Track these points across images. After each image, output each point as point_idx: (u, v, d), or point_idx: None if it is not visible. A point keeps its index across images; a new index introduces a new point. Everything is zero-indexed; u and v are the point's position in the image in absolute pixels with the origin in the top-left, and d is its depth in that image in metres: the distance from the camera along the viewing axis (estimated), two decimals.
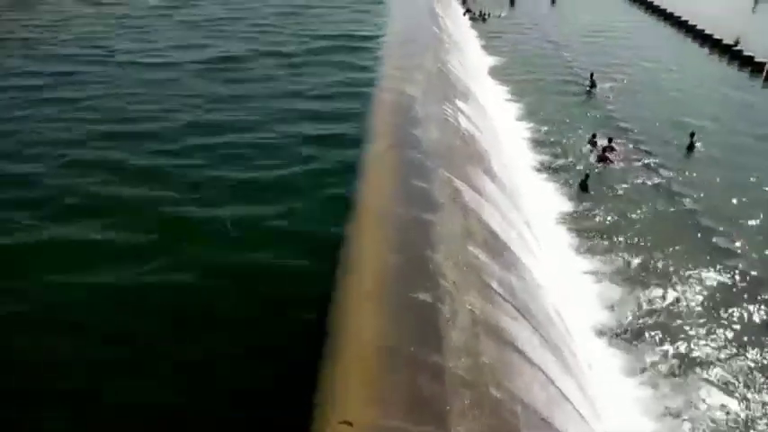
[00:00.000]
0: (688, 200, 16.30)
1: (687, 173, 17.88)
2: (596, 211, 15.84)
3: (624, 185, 17.21)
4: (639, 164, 18.48)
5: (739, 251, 14.13)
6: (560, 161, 18.53)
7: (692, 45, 32.00)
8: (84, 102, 19.28)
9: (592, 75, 25.03)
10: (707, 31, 31.59)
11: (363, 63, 22.52)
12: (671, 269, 13.46)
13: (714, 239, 14.59)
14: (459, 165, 14.04)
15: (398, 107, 16.55)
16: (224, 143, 16.39)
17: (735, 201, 16.31)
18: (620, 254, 13.98)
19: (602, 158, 18.58)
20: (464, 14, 37.49)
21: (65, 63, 23.11)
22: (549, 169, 18.10)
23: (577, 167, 18.10)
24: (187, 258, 11.53)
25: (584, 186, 16.92)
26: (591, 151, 18.99)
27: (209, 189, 13.98)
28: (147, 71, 22.12)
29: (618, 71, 26.75)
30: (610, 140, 19.35)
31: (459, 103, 18.50)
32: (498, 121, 20.55)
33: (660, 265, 13.58)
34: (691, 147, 19.35)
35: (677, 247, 14.19)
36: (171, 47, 25.31)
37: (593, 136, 19.72)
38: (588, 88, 24.67)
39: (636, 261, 13.71)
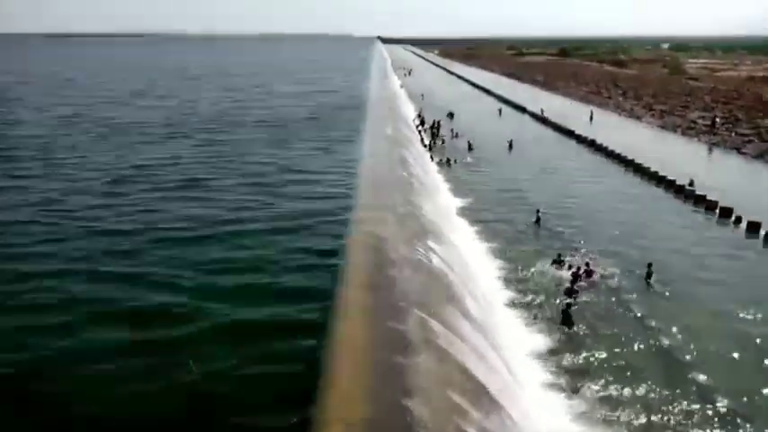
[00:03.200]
0: (662, 336, 16.30)
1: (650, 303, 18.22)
2: (576, 346, 15.67)
3: (603, 317, 17.30)
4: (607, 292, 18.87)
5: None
6: (532, 297, 18.59)
7: (646, 185, 33.79)
8: None
9: (538, 211, 26.50)
10: (662, 173, 33.58)
11: (335, 207, 23.06)
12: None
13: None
14: (433, 305, 13.98)
15: (371, 249, 16.75)
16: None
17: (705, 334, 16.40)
18: (609, 396, 13.61)
19: (574, 284, 18.94)
20: (431, 160, 39.37)
21: None
22: (522, 305, 18.09)
23: (550, 301, 18.21)
24: None
25: (566, 319, 16.82)
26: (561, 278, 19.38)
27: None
28: None
29: (570, 206, 28.32)
30: (587, 265, 20.02)
31: (431, 244, 18.82)
32: (469, 260, 20.80)
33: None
34: (649, 275, 19.90)
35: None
36: None
37: (559, 256, 20.98)
38: (535, 221, 25.94)
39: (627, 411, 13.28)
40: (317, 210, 22.67)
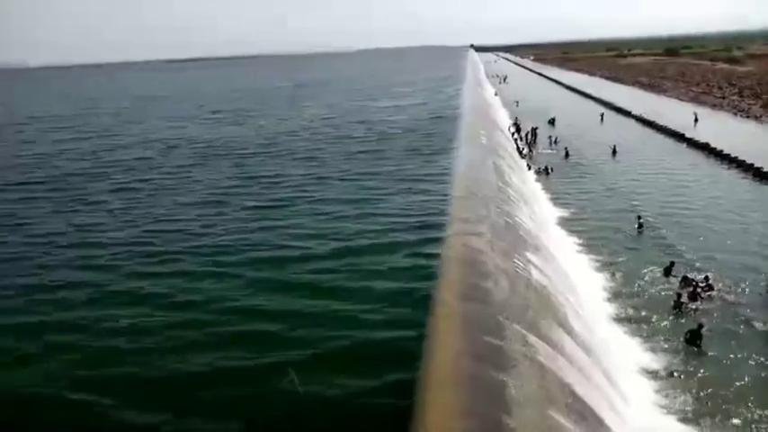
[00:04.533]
0: None
1: None
2: (692, 368, 14.50)
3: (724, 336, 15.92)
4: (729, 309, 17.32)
5: None
6: (641, 312, 17.50)
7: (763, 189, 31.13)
8: None
9: (639, 218, 25.33)
10: None
11: (429, 218, 22.97)
12: None
13: None
14: (532, 319, 13.48)
15: (467, 261, 16.43)
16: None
17: None
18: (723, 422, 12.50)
19: (693, 298, 17.62)
20: (528, 169, 38.39)
21: None
22: (629, 320, 17.08)
23: (661, 316, 17.04)
24: None
25: (693, 340, 15.62)
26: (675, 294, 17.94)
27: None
28: None
29: (680, 214, 26.49)
30: (706, 278, 18.67)
31: (530, 255, 18.24)
32: (570, 272, 19.97)
33: None
34: None
35: None
36: None
37: (671, 267, 19.73)
38: (637, 228, 24.80)
39: None
40: (410, 222, 22.72)
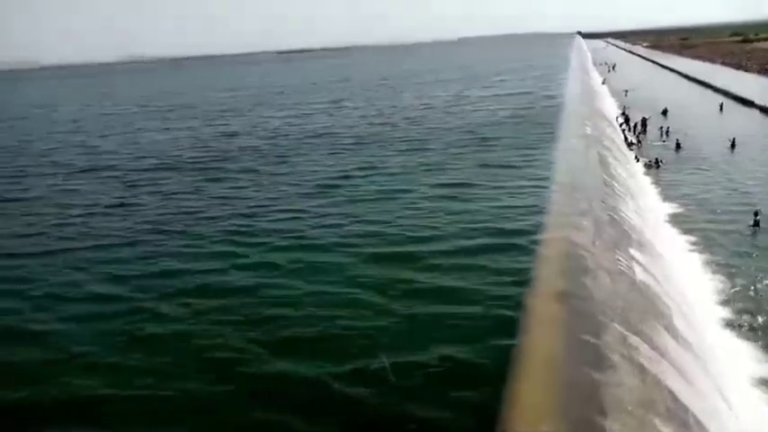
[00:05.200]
0: None
1: None
2: None
3: None
4: None
5: None
6: (758, 318, 16.24)
7: None
8: None
9: (756, 213, 23.36)
10: None
11: (527, 211, 22.44)
12: None
13: None
14: (635, 319, 12.89)
15: (566, 256, 15.95)
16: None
17: None
18: None
19: None
20: (636, 161, 36.52)
21: None
22: (743, 327, 15.91)
23: None
24: None
25: None
26: None
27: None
28: None
29: None
30: None
31: (634, 253, 17.41)
32: (679, 273, 18.87)
33: None
34: None
35: None
36: None
37: None
38: (753, 225, 23.07)
39: None
40: (508, 214, 22.27)
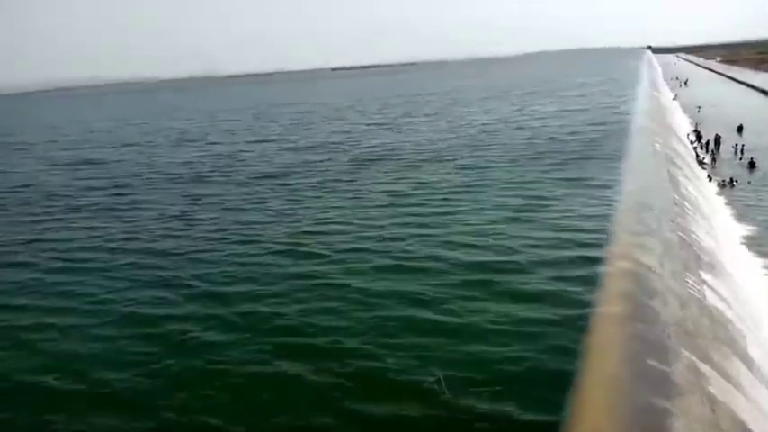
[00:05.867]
0: None
1: None
2: None
3: None
4: None
5: None
6: None
7: None
8: None
9: None
10: None
11: (593, 230, 21.90)
12: None
13: None
14: (705, 346, 12.38)
15: (632, 276, 15.47)
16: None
17: None
18: None
19: None
20: (709, 180, 35.08)
21: None
22: None
23: None
24: None
25: None
26: None
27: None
28: None
29: None
30: None
31: (705, 276, 16.73)
32: (754, 298, 17.96)
33: None
34: None
35: None
36: None
37: None
38: None
39: None
40: (572, 234, 21.80)
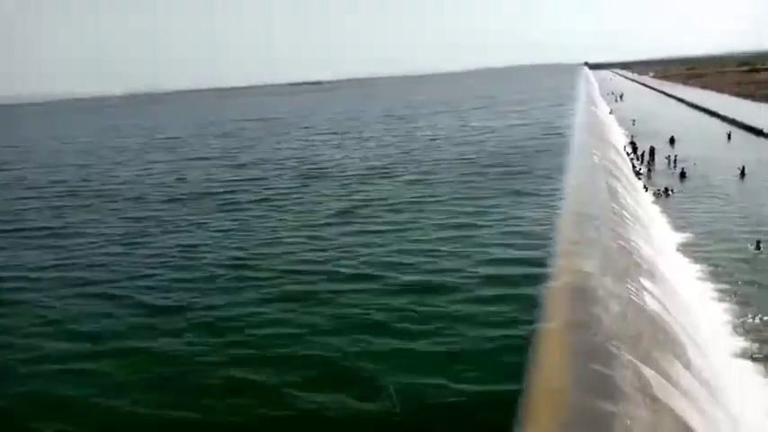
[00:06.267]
0: None
1: None
2: None
3: None
4: None
5: None
6: None
7: None
8: None
9: (759, 242, 23.98)
10: None
11: (535, 240, 22.41)
12: None
13: None
14: (645, 349, 12.78)
15: (575, 284, 15.90)
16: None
17: None
18: None
19: None
20: (645, 190, 36.51)
21: None
22: (756, 357, 15.71)
23: None
24: None
25: None
26: None
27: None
28: None
29: None
30: None
31: (644, 282, 17.32)
32: (690, 302, 18.72)
33: None
34: None
35: None
36: None
37: None
38: (755, 248, 23.89)
39: None
40: (516, 245, 22.25)
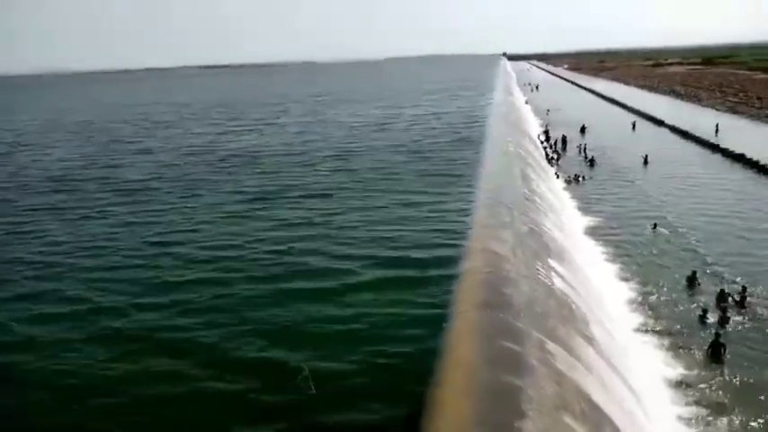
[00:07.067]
0: None
1: None
2: (719, 381, 14.17)
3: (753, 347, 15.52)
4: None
5: None
6: (666, 323, 17.19)
7: None
8: None
9: (655, 225, 26.13)
10: None
11: (452, 225, 22.94)
12: None
13: None
14: (552, 326, 13.35)
15: (488, 266, 16.36)
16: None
17: None
18: None
19: (722, 310, 17.23)
20: (557, 177, 38.02)
21: None
22: (653, 331, 16.79)
23: (686, 328, 16.70)
24: None
25: (713, 350, 15.32)
26: (706, 314, 17.40)
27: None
28: None
29: (711, 224, 26.25)
30: (744, 289, 18.26)
31: (553, 263, 18.07)
32: (595, 281, 19.71)
33: None
34: None
35: None
36: None
37: (693, 276, 19.65)
38: (652, 228, 25.87)
39: None
40: (433, 228, 22.70)
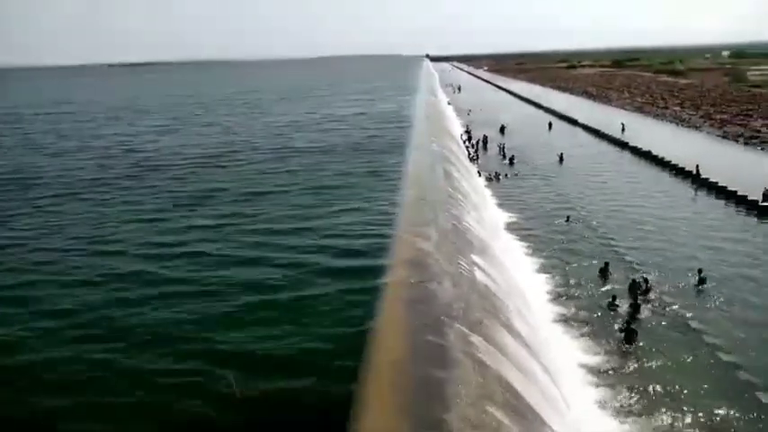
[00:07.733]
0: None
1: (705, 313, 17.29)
2: (631, 365, 15.00)
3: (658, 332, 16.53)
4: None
5: None
6: (582, 312, 18.02)
7: (706, 197, 32.45)
8: None
9: (568, 218, 27.69)
10: (721, 184, 32.37)
11: (378, 223, 23.11)
12: None
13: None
14: (475, 319, 13.70)
15: (413, 264, 16.59)
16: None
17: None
18: (666, 418, 12.93)
19: (632, 298, 18.26)
20: (479, 175, 39.02)
21: None
22: (570, 321, 17.55)
23: (600, 316, 17.58)
24: None
25: (629, 338, 16.19)
26: (613, 306, 18.36)
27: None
28: None
29: (623, 218, 27.79)
30: (645, 280, 19.38)
31: (475, 258, 18.53)
32: (515, 275, 20.38)
33: None
34: (701, 281, 19.69)
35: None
36: None
37: (606, 267, 20.75)
38: (566, 221, 27.43)
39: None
40: (359, 226, 22.78)
